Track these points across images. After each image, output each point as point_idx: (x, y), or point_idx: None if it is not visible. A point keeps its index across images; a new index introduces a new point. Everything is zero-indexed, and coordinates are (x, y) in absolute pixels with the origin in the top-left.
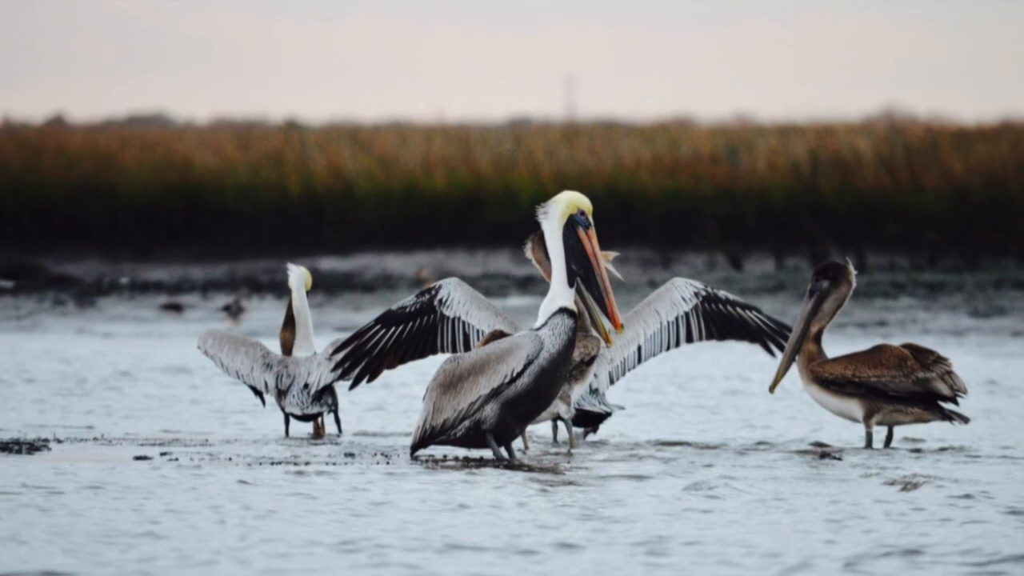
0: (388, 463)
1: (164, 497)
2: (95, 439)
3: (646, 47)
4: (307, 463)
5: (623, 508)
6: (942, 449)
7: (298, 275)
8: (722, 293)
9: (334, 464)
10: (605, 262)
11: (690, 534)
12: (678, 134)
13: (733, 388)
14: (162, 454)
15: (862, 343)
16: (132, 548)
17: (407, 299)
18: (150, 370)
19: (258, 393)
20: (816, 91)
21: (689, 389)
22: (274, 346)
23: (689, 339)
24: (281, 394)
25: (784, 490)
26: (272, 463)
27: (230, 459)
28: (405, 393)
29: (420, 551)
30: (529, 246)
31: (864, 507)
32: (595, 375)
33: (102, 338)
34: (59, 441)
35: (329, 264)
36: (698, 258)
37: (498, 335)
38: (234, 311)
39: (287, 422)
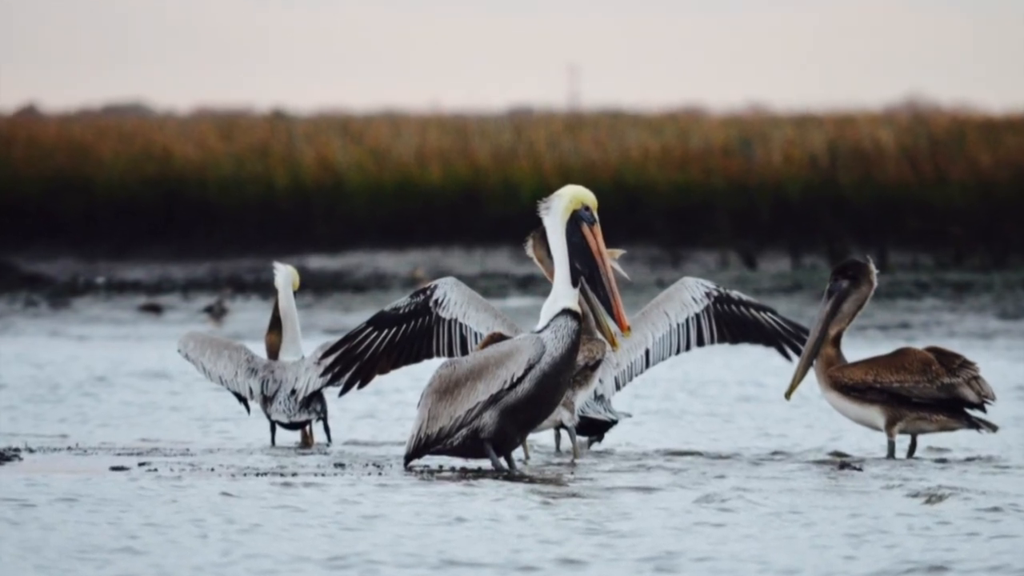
0: (380, 474)
1: (143, 510)
2: (69, 448)
3: (654, 33)
4: (294, 474)
5: (630, 522)
6: (969, 459)
7: (285, 274)
8: (735, 293)
9: (323, 475)
10: (611, 260)
11: (701, 549)
12: (688, 124)
13: (747, 394)
14: (140, 464)
15: (884, 346)
16: (109, 564)
17: (401, 300)
18: (128, 375)
19: (242, 400)
20: (835, 79)
21: (700, 395)
22: (259, 349)
23: (700, 342)
24: (267, 401)
25: (801, 503)
26: (257, 474)
27: (212, 470)
28: (398, 400)
29: (414, 567)
30: (530, 244)
31: (886, 521)
32: (600, 380)
33: (77, 341)
34: (31, 451)
35: (318, 263)
36: (709, 256)
37: (497, 338)
38: (217, 312)
39: (273, 430)
